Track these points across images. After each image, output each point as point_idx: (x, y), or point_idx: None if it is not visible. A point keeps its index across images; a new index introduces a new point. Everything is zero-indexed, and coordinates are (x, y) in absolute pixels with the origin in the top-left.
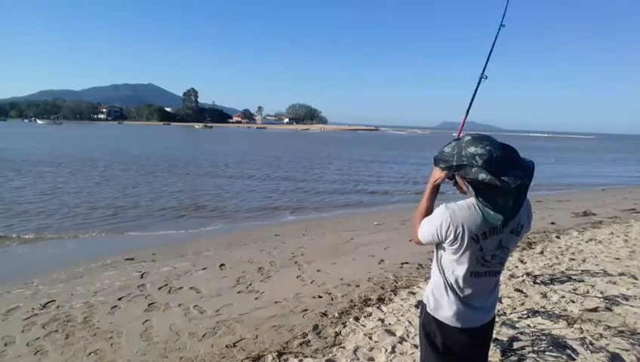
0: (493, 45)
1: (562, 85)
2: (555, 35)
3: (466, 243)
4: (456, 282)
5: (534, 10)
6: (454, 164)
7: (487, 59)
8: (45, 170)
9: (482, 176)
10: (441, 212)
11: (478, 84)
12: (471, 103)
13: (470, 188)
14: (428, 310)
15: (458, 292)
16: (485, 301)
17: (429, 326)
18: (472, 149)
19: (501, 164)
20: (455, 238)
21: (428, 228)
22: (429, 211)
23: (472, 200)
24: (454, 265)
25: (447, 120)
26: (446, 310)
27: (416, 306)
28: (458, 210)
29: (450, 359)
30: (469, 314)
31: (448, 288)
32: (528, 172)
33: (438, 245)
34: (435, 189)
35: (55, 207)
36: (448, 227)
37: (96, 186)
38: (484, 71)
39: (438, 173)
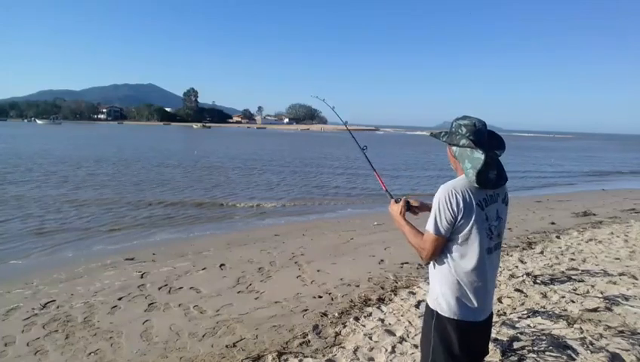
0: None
1: (548, 86)
2: (546, 37)
3: (475, 211)
4: (472, 268)
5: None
6: (446, 131)
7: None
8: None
9: (462, 141)
10: (442, 192)
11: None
12: (371, 165)
13: (456, 157)
14: (442, 313)
15: (474, 279)
16: (492, 283)
17: (444, 330)
18: (460, 121)
19: (482, 135)
20: (465, 207)
21: (438, 216)
22: (417, 231)
23: (462, 175)
24: (466, 248)
25: (447, 120)
26: (463, 304)
27: (417, 306)
28: (456, 182)
29: (465, 359)
30: (483, 306)
31: (461, 282)
32: (503, 146)
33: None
34: (405, 218)
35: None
36: (456, 197)
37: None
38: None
39: (396, 207)
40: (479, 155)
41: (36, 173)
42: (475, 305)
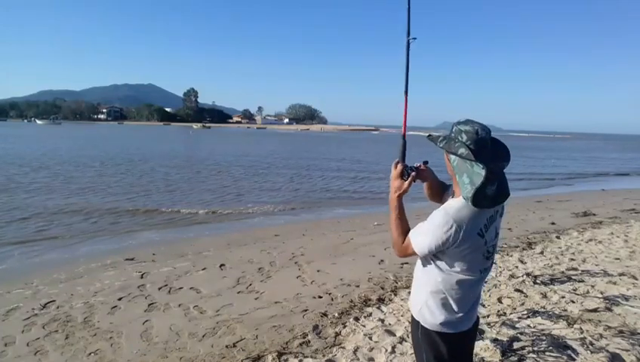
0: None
1: (548, 86)
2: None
3: (473, 240)
4: (463, 286)
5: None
6: (445, 135)
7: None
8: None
9: (461, 151)
10: (443, 218)
11: (408, 48)
12: (407, 75)
13: (454, 168)
14: (425, 325)
15: (463, 294)
16: (480, 295)
17: (433, 342)
18: (462, 126)
19: (484, 145)
20: (464, 239)
21: (430, 238)
22: (405, 224)
23: (461, 197)
24: (459, 269)
25: (447, 120)
26: (448, 317)
27: None
28: (459, 210)
29: None
30: (469, 315)
31: (449, 297)
32: (507, 158)
33: (436, 254)
34: (401, 201)
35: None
36: (456, 230)
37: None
38: (409, 33)
39: (397, 183)
40: (480, 170)
41: (40, 174)
42: (460, 315)
